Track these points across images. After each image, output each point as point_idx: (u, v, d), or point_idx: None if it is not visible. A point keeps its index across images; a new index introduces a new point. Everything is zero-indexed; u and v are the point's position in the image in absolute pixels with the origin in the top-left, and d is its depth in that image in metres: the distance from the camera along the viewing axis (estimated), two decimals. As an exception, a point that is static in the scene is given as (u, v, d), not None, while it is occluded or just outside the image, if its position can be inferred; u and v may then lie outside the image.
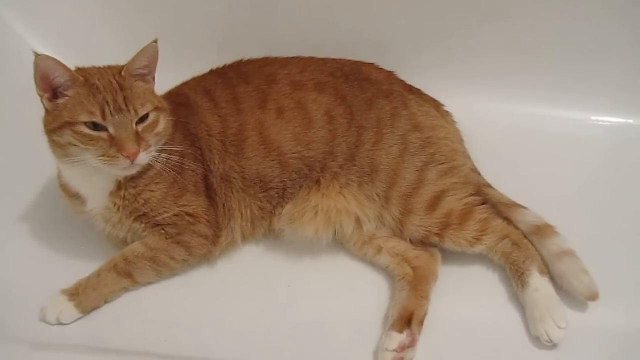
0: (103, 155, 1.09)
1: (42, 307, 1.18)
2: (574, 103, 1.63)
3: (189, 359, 1.14)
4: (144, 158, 1.12)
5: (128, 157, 1.09)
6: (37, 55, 1.07)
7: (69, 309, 1.18)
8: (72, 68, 1.16)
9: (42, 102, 1.12)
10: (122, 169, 1.13)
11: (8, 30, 1.57)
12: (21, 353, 1.12)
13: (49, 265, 1.28)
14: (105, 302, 1.22)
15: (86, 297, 1.19)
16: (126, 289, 1.23)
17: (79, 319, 1.19)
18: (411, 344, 1.13)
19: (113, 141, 1.09)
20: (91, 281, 1.21)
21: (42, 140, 1.15)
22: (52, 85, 1.10)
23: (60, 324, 1.17)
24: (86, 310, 1.19)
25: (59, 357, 1.13)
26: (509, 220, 1.28)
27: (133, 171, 1.16)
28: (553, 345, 1.14)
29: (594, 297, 1.18)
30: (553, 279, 1.21)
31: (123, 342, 1.16)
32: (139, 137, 1.11)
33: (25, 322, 1.17)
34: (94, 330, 1.18)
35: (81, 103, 1.09)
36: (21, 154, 1.40)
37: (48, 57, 1.08)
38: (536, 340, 1.15)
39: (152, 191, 1.21)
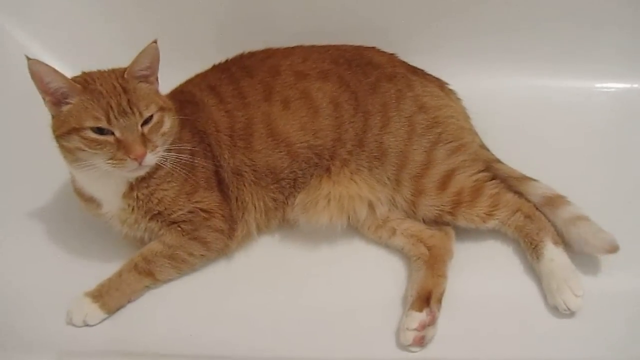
0: (111, 159, 1.08)
1: (67, 310, 1.17)
2: (576, 71, 1.59)
3: (214, 351, 1.13)
4: (151, 159, 1.10)
5: (135, 159, 1.07)
6: (29, 59, 1.05)
7: (94, 310, 1.17)
8: (79, 73, 1.14)
9: (45, 105, 1.10)
10: (131, 171, 1.11)
11: (8, 38, 1.57)
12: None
13: (70, 269, 1.27)
14: (129, 301, 1.21)
15: (110, 297, 1.18)
16: (148, 287, 1.22)
17: (105, 319, 1.18)
18: (431, 322, 1.11)
19: (120, 144, 1.08)
20: (113, 282, 1.20)
21: (55, 145, 1.13)
22: (48, 89, 1.08)
23: (87, 325, 1.17)
24: (111, 310, 1.18)
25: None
26: (520, 194, 1.26)
27: (142, 172, 1.14)
28: (571, 314, 1.13)
29: (614, 249, 1.15)
30: (569, 244, 1.20)
31: (148, 339, 1.15)
32: (145, 139, 1.09)
33: (50, 327, 1.16)
34: (118, 329, 1.17)
35: (85, 109, 1.08)
36: (37, 159, 1.35)
37: (39, 62, 1.06)
38: (554, 309, 1.14)
39: (164, 190, 1.20)
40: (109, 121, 1.08)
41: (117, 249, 1.29)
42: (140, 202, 1.20)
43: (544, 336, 1.13)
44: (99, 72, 1.15)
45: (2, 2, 1.57)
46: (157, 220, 1.23)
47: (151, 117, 1.12)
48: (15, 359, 1.10)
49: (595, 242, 1.17)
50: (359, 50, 1.38)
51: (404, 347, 1.12)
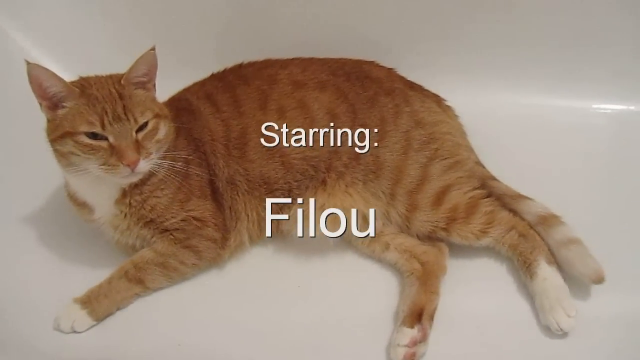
0: (104, 164, 1.07)
1: (55, 316, 1.15)
2: (574, 92, 1.59)
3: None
4: (144, 166, 1.10)
5: (128, 165, 1.07)
6: (28, 63, 1.05)
7: (82, 317, 1.15)
8: (76, 77, 1.14)
9: (42, 110, 1.10)
10: (124, 177, 1.10)
11: (7, 41, 1.57)
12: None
13: (61, 274, 1.26)
14: (118, 309, 1.19)
15: (99, 304, 1.16)
16: (138, 295, 1.21)
17: (93, 326, 1.16)
18: (422, 339, 1.10)
19: (113, 150, 1.07)
20: (103, 288, 1.18)
21: (50, 149, 1.13)
22: (47, 93, 1.08)
23: (75, 332, 1.15)
24: (99, 317, 1.16)
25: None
26: (514, 212, 1.25)
27: (134, 179, 1.13)
28: (563, 334, 1.11)
29: (600, 279, 1.14)
30: (559, 266, 1.19)
31: (136, 347, 1.14)
32: (138, 145, 1.09)
33: (37, 333, 1.15)
34: (106, 336, 1.16)
35: (80, 113, 1.07)
36: (31, 163, 1.35)
37: (39, 66, 1.05)
38: (546, 329, 1.13)
39: (157, 197, 1.19)
40: (103, 126, 1.07)
41: (109, 255, 1.28)
42: (133, 208, 1.19)
43: (536, 356, 1.12)
44: (96, 77, 1.14)
45: (2, 6, 1.57)
46: (150, 228, 1.21)
47: (146, 123, 1.11)
48: (-1, 365, 1.09)
49: (582, 269, 1.17)
50: (358, 64, 1.38)
51: (394, 363, 1.09)
